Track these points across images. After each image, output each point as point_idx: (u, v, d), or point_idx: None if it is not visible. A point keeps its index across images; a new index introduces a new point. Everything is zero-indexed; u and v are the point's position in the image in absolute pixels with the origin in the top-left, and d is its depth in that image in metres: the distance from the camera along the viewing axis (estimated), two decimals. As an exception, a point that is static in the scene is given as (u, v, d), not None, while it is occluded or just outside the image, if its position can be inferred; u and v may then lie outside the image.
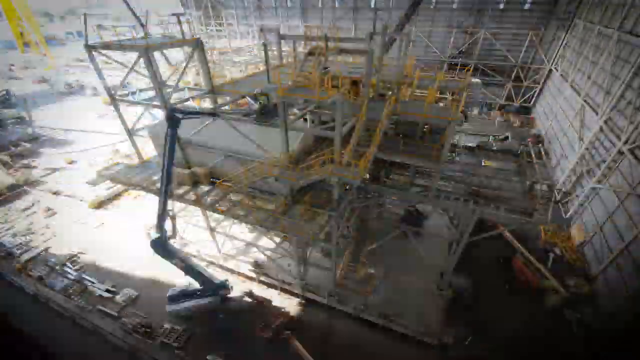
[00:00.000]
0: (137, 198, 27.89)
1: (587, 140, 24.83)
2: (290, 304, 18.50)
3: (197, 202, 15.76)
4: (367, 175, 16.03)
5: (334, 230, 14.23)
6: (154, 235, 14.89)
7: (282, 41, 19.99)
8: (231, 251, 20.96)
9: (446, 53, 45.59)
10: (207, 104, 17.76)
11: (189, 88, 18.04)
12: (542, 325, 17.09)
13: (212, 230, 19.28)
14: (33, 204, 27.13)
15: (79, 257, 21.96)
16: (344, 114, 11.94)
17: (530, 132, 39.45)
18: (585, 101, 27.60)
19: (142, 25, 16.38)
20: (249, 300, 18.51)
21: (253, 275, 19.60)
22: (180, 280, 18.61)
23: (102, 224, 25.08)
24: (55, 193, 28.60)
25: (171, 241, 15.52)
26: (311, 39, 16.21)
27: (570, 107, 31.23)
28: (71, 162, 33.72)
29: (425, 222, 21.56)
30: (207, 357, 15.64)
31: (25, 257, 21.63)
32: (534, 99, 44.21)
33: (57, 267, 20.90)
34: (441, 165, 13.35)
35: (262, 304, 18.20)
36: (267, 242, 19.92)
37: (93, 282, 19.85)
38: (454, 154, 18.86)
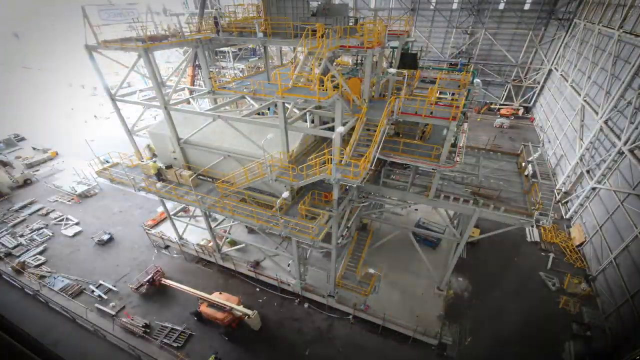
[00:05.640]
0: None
1: (587, 140, 24.81)
2: (289, 305, 18.50)
3: (197, 202, 15.73)
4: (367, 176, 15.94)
5: (334, 230, 14.21)
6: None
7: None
8: (231, 251, 20.91)
9: (446, 53, 45.56)
10: (207, 104, 17.70)
11: (188, 88, 17.99)
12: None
13: (212, 230, 19.23)
14: (33, 204, 27.14)
15: (77, 256, 21.95)
16: (344, 114, 11.92)
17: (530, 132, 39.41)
18: (585, 101, 27.59)
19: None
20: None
21: (252, 275, 19.56)
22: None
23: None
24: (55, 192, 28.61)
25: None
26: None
27: (570, 107, 31.22)
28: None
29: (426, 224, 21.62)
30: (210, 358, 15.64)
31: (25, 257, 21.63)
32: (533, 99, 44.22)
33: (56, 269, 20.90)
34: (441, 165, 13.32)
35: None
36: (267, 242, 19.83)
37: (93, 282, 19.84)
38: (453, 154, 18.76)
